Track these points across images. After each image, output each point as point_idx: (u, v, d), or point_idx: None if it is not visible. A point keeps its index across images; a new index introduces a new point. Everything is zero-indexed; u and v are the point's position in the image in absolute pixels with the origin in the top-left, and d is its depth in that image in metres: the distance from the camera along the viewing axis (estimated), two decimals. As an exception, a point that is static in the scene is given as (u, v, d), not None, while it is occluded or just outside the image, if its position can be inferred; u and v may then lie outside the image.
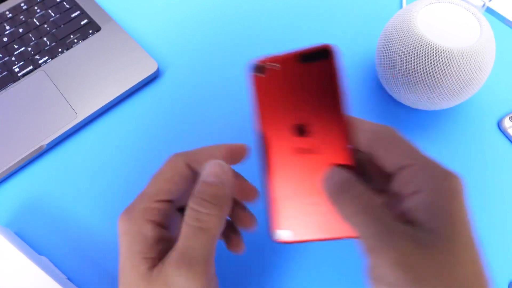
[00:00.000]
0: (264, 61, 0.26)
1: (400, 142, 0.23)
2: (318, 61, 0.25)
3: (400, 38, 0.37)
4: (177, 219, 0.27)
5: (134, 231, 0.23)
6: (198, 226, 0.22)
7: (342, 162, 0.25)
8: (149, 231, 0.23)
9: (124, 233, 0.24)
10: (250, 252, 0.36)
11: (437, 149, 0.42)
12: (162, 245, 0.24)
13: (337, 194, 0.23)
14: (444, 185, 0.21)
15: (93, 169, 0.41)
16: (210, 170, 0.24)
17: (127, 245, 0.23)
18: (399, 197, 0.25)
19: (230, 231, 0.29)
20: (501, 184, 0.40)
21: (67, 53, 0.46)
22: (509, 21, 0.49)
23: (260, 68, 0.26)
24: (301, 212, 0.25)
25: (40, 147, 0.40)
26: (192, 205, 0.23)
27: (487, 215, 0.38)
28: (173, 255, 0.22)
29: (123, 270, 0.23)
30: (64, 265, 0.36)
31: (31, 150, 0.40)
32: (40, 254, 0.37)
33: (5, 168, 0.39)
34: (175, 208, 0.26)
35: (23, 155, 0.40)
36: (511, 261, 0.36)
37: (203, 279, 0.22)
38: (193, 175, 0.26)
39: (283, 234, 0.25)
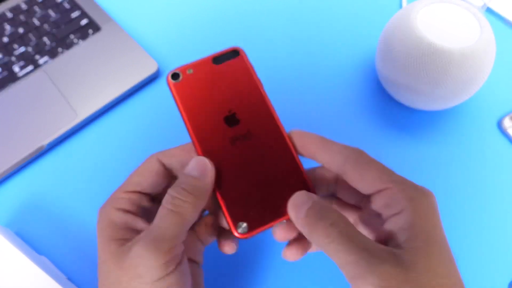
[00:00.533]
0: (180, 68, 0.28)
1: (373, 165, 0.24)
2: (230, 60, 0.28)
3: (400, 38, 0.37)
4: (154, 205, 0.28)
5: (104, 217, 0.26)
6: (171, 209, 0.24)
7: (301, 186, 0.26)
8: (116, 217, 0.26)
9: (98, 220, 0.26)
10: (249, 252, 0.36)
11: (437, 149, 0.42)
12: (130, 229, 0.26)
13: (312, 225, 0.23)
14: (422, 205, 0.23)
15: (93, 169, 0.41)
16: (194, 165, 0.25)
17: (99, 229, 0.26)
18: (374, 215, 0.26)
19: (222, 231, 0.29)
20: (501, 184, 0.40)
21: (67, 53, 0.46)
22: (509, 21, 0.49)
23: (175, 76, 0.28)
24: (250, 201, 0.26)
25: (40, 147, 0.40)
26: (170, 192, 0.25)
27: (487, 215, 0.38)
28: (142, 234, 0.24)
29: (98, 251, 0.25)
30: (64, 265, 0.36)
31: (31, 150, 0.40)
32: (40, 254, 0.37)
33: (5, 168, 0.39)
34: (151, 200, 0.28)
35: (23, 155, 0.40)
36: (511, 261, 0.36)
37: (167, 257, 0.23)
38: (165, 169, 0.27)
39: (241, 227, 0.26)
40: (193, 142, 0.27)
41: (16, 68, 0.45)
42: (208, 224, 0.29)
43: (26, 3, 0.49)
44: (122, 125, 0.43)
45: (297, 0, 0.52)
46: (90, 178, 0.40)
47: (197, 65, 0.28)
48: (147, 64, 0.45)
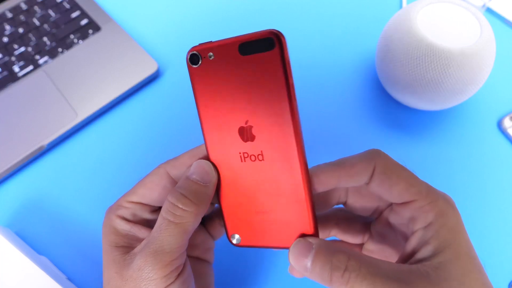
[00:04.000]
0: (199, 49, 0.22)
1: (401, 175, 0.23)
2: (262, 52, 0.21)
3: (400, 38, 0.37)
4: (157, 217, 0.28)
5: (107, 224, 0.26)
6: (171, 220, 0.23)
7: (302, 226, 0.23)
8: (118, 224, 0.26)
9: (103, 225, 0.27)
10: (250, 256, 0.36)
11: (437, 149, 0.42)
12: (133, 237, 0.26)
13: (325, 278, 0.21)
14: (450, 219, 0.22)
15: (93, 169, 0.41)
16: (195, 169, 0.24)
17: (103, 234, 0.26)
18: (389, 226, 0.25)
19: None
20: (501, 184, 0.40)
21: (67, 53, 0.46)
22: (509, 21, 0.49)
23: (194, 58, 0.23)
24: (249, 219, 0.25)
25: (40, 147, 0.40)
26: (169, 199, 0.24)
27: (487, 215, 0.38)
28: (143, 244, 0.24)
29: (103, 255, 0.26)
30: (64, 265, 0.36)
31: (31, 150, 0.40)
32: (40, 254, 0.37)
33: (5, 168, 0.39)
34: (154, 209, 0.28)
35: (23, 155, 0.40)
36: (511, 261, 0.36)
37: (168, 270, 0.22)
38: (172, 181, 0.27)
39: (234, 238, 0.25)
40: (204, 139, 0.25)
41: (16, 68, 0.45)
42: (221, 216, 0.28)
43: (26, 3, 0.49)
44: (122, 125, 0.43)
45: (297, 0, 0.52)
46: (90, 178, 0.40)
47: (220, 50, 0.22)
48: (147, 64, 0.45)
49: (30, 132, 0.41)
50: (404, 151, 0.41)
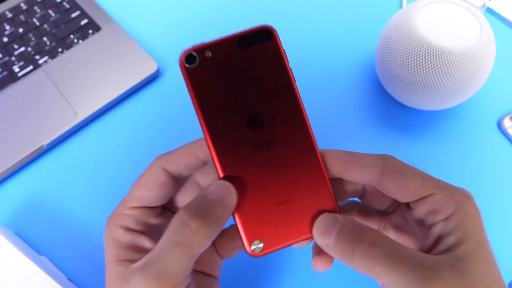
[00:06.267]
0: (195, 49, 0.22)
1: (413, 173, 0.23)
2: (259, 44, 0.22)
3: (400, 38, 0.37)
4: (162, 221, 0.26)
5: (109, 235, 0.24)
6: (179, 240, 0.21)
7: (325, 205, 0.23)
8: (120, 236, 0.24)
9: (104, 237, 0.25)
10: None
11: (437, 149, 0.42)
12: (137, 249, 0.24)
13: (348, 251, 0.20)
14: (470, 210, 0.22)
15: (93, 169, 0.41)
16: (215, 188, 0.22)
17: (105, 246, 0.24)
18: (405, 220, 0.25)
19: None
20: (501, 184, 0.40)
21: (67, 53, 0.46)
22: (509, 21, 0.49)
23: (190, 58, 0.22)
24: (269, 216, 0.23)
25: (40, 147, 0.40)
26: (182, 215, 0.21)
27: (487, 215, 0.38)
28: (145, 262, 0.22)
29: (105, 268, 0.24)
30: (64, 265, 0.36)
31: (31, 150, 0.40)
32: (40, 254, 0.37)
33: (5, 168, 0.39)
34: (159, 213, 0.26)
35: (23, 155, 0.40)
36: (511, 261, 0.36)
37: None
38: (171, 177, 0.25)
39: (255, 245, 0.23)
40: (207, 142, 0.23)
41: (16, 68, 0.45)
42: (234, 237, 0.26)
43: (26, 3, 0.49)
44: (122, 125, 0.43)
45: (297, 0, 0.52)
46: (90, 178, 0.40)
47: (218, 46, 0.22)
48: (147, 64, 0.45)
49: (30, 132, 0.41)
50: (404, 151, 0.41)
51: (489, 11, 0.51)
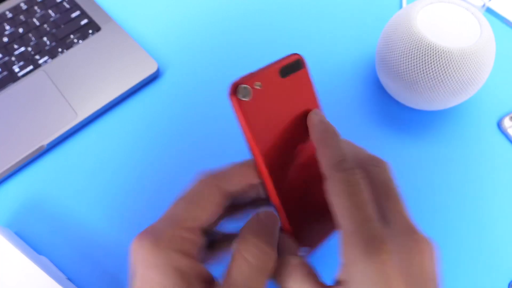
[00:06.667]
0: (247, 81, 0.22)
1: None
2: (295, 72, 0.24)
3: (400, 38, 0.37)
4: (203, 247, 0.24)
5: (165, 264, 0.19)
6: (258, 265, 0.19)
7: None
8: (184, 265, 0.19)
9: (148, 265, 0.19)
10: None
11: (437, 149, 0.42)
12: (194, 277, 0.20)
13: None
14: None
15: (93, 169, 0.41)
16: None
17: (156, 280, 0.19)
18: None
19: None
20: (500, 184, 0.40)
21: (67, 53, 0.46)
22: (509, 21, 0.49)
23: (243, 91, 0.22)
24: (310, 226, 0.26)
25: (40, 147, 0.40)
26: (252, 239, 0.20)
27: (487, 215, 0.38)
28: None
29: None
30: (64, 265, 0.36)
31: (31, 150, 0.40)
32: (40, 254, 0.37)
33: (5, 168, 0.39)
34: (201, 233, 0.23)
35: (23, 155, 0.40)
36: (511, 261, 0.36)
37: None
38: (225, 199, 0.23)
39: (302, 251, 0.26)
40: (260, 169, 0.24)
41: (16, 68, 0.45)
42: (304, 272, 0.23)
43: (26, 3, 0.49)
44: (122, 125, 0.43)
45: (297, 0, 0.52)
46: (90, 178, 0.40)
47: (265, 78, 0.23)
48: (147, 64, 0.45)
49: (30, 132, 0.41)
50: (404, 151, 0.41)
51: (489, 11, 0.51)
